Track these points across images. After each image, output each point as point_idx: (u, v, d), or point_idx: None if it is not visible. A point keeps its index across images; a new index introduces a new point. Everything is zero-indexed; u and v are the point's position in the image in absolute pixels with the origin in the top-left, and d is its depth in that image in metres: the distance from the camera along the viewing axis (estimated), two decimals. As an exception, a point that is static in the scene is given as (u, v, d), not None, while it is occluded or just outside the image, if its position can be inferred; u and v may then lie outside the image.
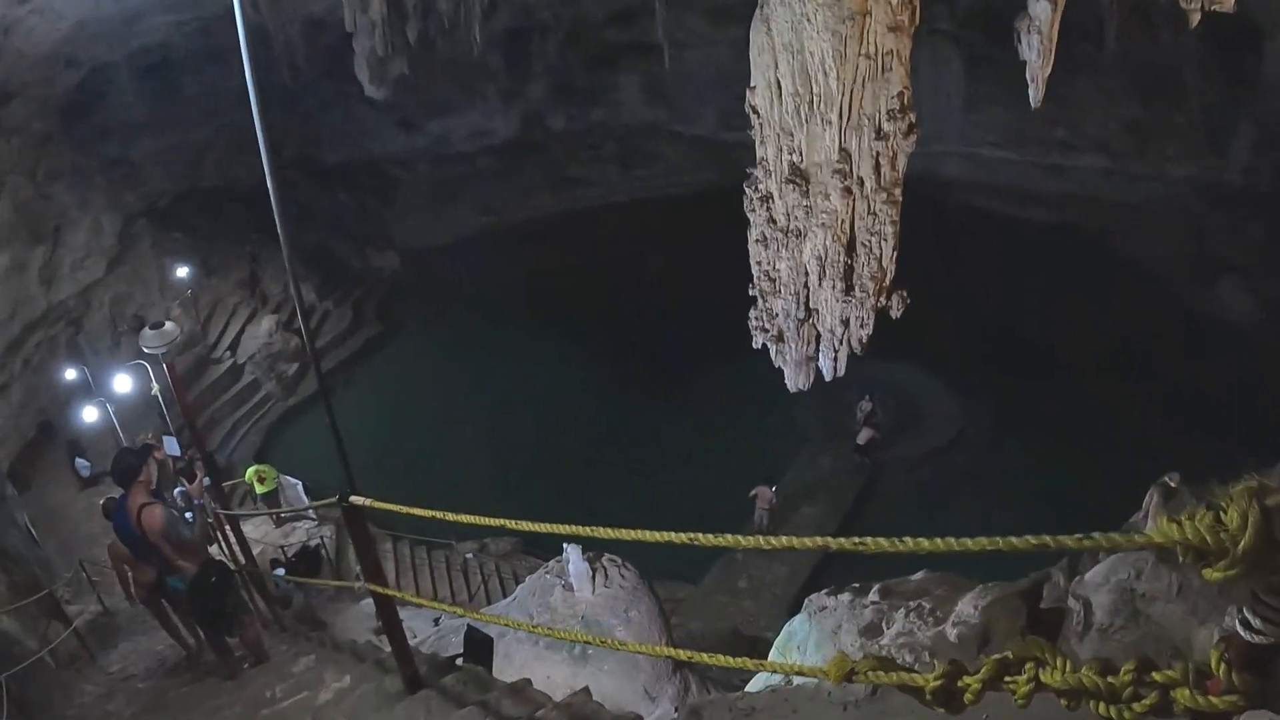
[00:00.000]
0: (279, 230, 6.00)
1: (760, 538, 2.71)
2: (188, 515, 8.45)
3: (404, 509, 4.56)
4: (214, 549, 10.11)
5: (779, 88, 11.99)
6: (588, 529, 3.22)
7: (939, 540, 2.35)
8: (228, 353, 30.28)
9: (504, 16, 28.10)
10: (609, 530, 3.13)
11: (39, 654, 12.76)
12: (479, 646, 6.88)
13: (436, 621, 11.49)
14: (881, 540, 2.45)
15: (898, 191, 12.33)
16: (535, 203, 36.78)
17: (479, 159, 36.51)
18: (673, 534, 2.83)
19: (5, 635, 13.64)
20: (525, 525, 3.53)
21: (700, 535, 2.80)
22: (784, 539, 2.71)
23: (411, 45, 25.85)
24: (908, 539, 2.41)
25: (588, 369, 28.89)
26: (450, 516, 4.16)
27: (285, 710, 7.01)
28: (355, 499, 4.82)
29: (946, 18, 26.68)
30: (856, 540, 2.45)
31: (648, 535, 2.94)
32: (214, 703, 8.17)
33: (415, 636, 10.25)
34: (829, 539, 2.58)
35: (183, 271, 29.90)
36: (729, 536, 2.74)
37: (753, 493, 21.67)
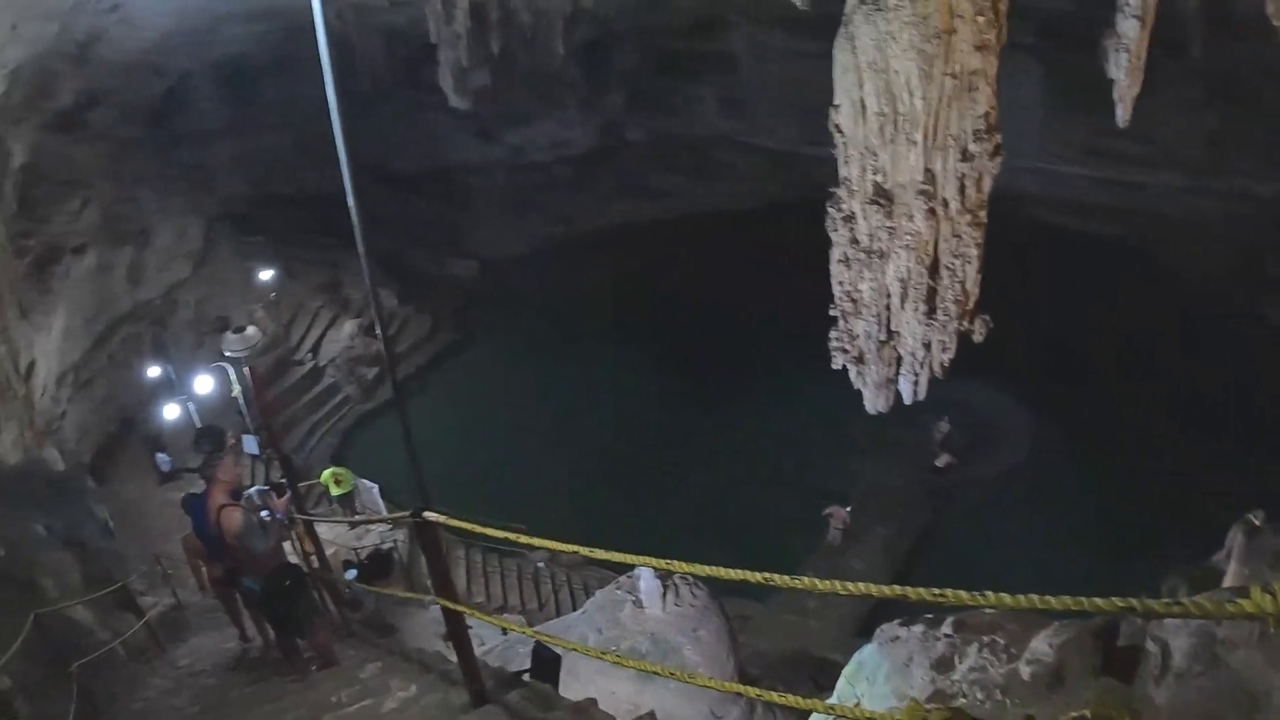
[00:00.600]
0: (358, 241, 6.04)
1: (837, 583, 2.65)
2: (264, 513, 8.53)
3: (477, 527, 4.57)
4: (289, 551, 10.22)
5: (863, 107, 11.83)
6: (664, 561, 3.19)
7: (1021, 597, 2.31)
8: (309, 355, 30.88)
9: (584, 28, 28.21)
10: (684, 564, 3.10)
11: (110, 645, 13.03)
12: (547, 663, 6.86)
13: (505, 631, 11.51)
14: (962, 593, 2.40)
15: (982, 214, 12.11)
16: (610, 213, 36.82)
17: (556, 169, 36.68)
18: (749, 572, 2.79)
19: (78, 625, 13.92)
20: (600, 553, 3.51)
21: (776, 576, 2.77)
22: (861, 586, 2.64)
23: (494, 56, 26.11)
24: (989, 593, 2.37)
25: (660, 381, 28.86)
26: (524, 539, 4.16)
27: (349, 716, 7.03)
28: (429, 514, 4.84)
29: (1026, 31, 26.28)
30: (936, 592, 2.40)
31: (722, 572, 2.91)
32: (279, 704, 8.22)
33: (483, 644, 10.30)
34: (907, 589, 2.50)
35: (266, 275, 30.60)
36: (805, 579, 2.69)
37: (827, 511, 21.59)
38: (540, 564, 21.59)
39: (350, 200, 5.50)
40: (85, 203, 24.53)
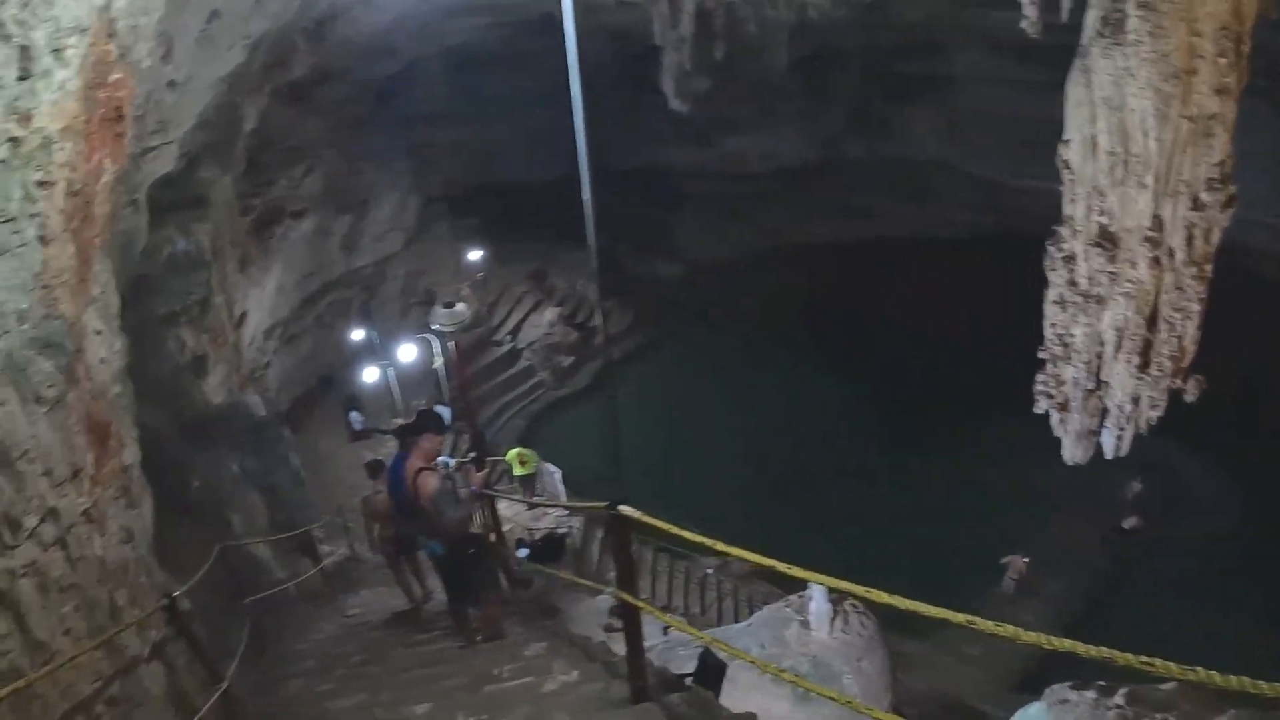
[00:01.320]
0: (589, 234, 6.18)
1: (1020, 631, 2.51)
2: (459, 484, 8.74)
3: (672, 528, 4.55)
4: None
5: (1095, 144, 11.33)
6: (864, 589, 3.11)
7: (1201, 671, 2.17)
8: (508, 337, 31.88)
9: (807, 42, 27.96)
10: (883, 594, 3.01)
11: (285, 585, 13.61)
12: (712, 671, 6.79)
13: (665, 631, 11.49)
14: (1172, 665, 2.25)
15: (1208, 267, 11.44)
16: (817, 229, 36.40)
17: (767, 180, 36.44)
18: (951, 612, 2.69)
19: (258, 563, 14.63)
20: (798, 571, 3.44)
21: (978, 619, 2.65)
22: (1058, 640, 2.50)
23: (716, 63, 26.20)
24: (1168, 664, 2.22)
25: (848, 402, 28.48)
26: (720, 546, 4.11)
27: (509, 690, 7.08)
28: (625, 509, 4.86)
29: (1263, 73, 24.34)
30: (1145, 660, 2.26)
31: (923, 608, 2.81)
32: (440, 668, 8.38)
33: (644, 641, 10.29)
34: (1103, 650, 2.35)
35: (475, 256, 31.62)
36: (1008, 627, 2.56)
37: (1006, 559, 20.82)
38: (709, 571, 21.49)
39: (585, 195, 5.63)
40: (309, 170, 25.71)
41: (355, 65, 25.56)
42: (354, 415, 25.81)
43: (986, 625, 2.57)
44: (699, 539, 4.33)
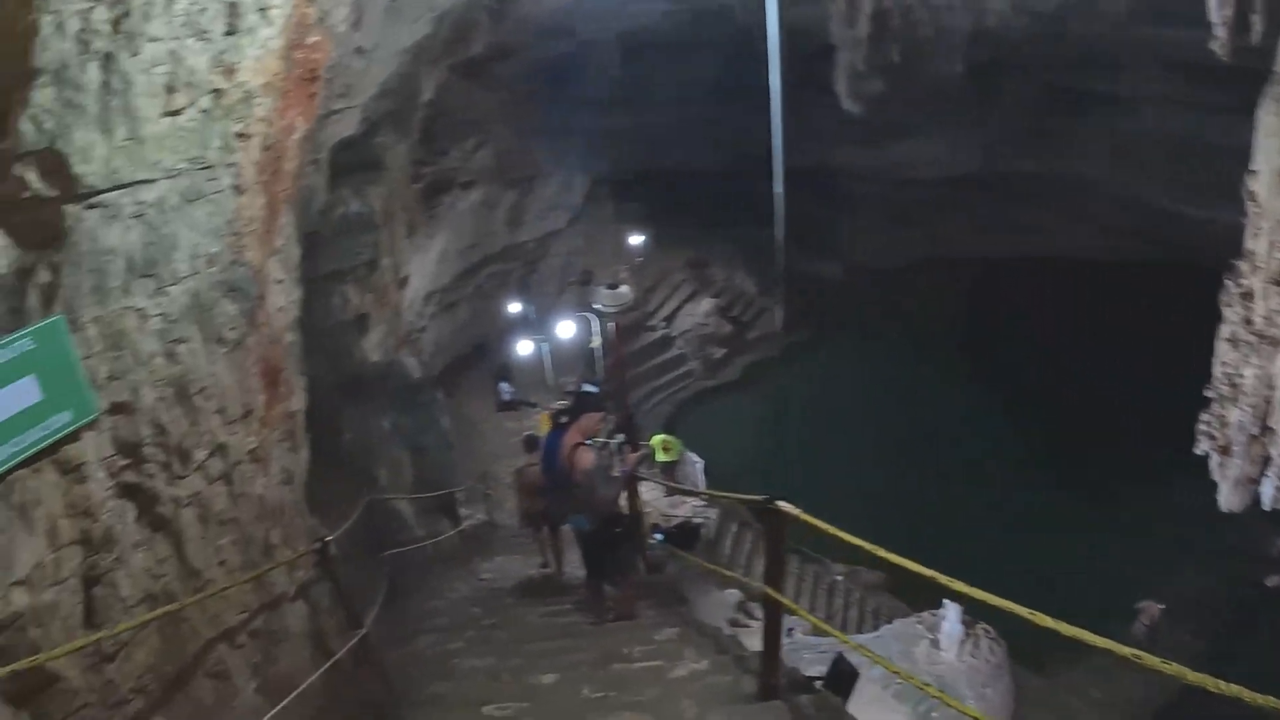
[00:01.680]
0: (776, 226, 6.17)
1: (1186, 670, 2.43)
2: (611, 465, 8.87)
3: (831, 529, 4.53)
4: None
5: (1286, 177, 10.80)
6: (1026, 609, 3.06)
7: None
8: (662, 323, 32.14)
9: (983, 49, 27.24)
10: (1045, 617, 2.97)
11: (423, 543, 13.97)
12: (844, 678, 6.72)
13: (790, 632, 11.43)
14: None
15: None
16: (978, 241, 35.46)
17: (933, 188, 35.59)
18: (1116, 644, 2.64)
19: (400, 518, 15.05)
20: (959, 585, 3.40)
21: (1144, 654, 2.59)
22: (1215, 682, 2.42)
23: (891, 66, 25.81)
24: None
25: (995, 420, 27.75)
26: (881, 553, 4.07)
27: (637, 672, 7.13)
28: (783, 505, 4.87)
29: None
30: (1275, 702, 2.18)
31: (1088, 636, 2.77)
32: (570, 640, 8.48)
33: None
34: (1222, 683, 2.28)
35: (637, 240, 31.81)
36: (1174, 665, 2.48)
37: (1141, 604, 19.98)
38: (838, 577, 21.24)
39: (778, 188, 5.60)
40: (480, 144, 26.26)
41: (531, 44, 26.02)
42: (503, 385, 26.33)
43: (1151, 660, 2.50)
44: (859, 542, 4.29)
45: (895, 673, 4.94)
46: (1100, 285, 31.33)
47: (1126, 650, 2.64)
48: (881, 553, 4.03)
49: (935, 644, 10.02)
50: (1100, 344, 28.37)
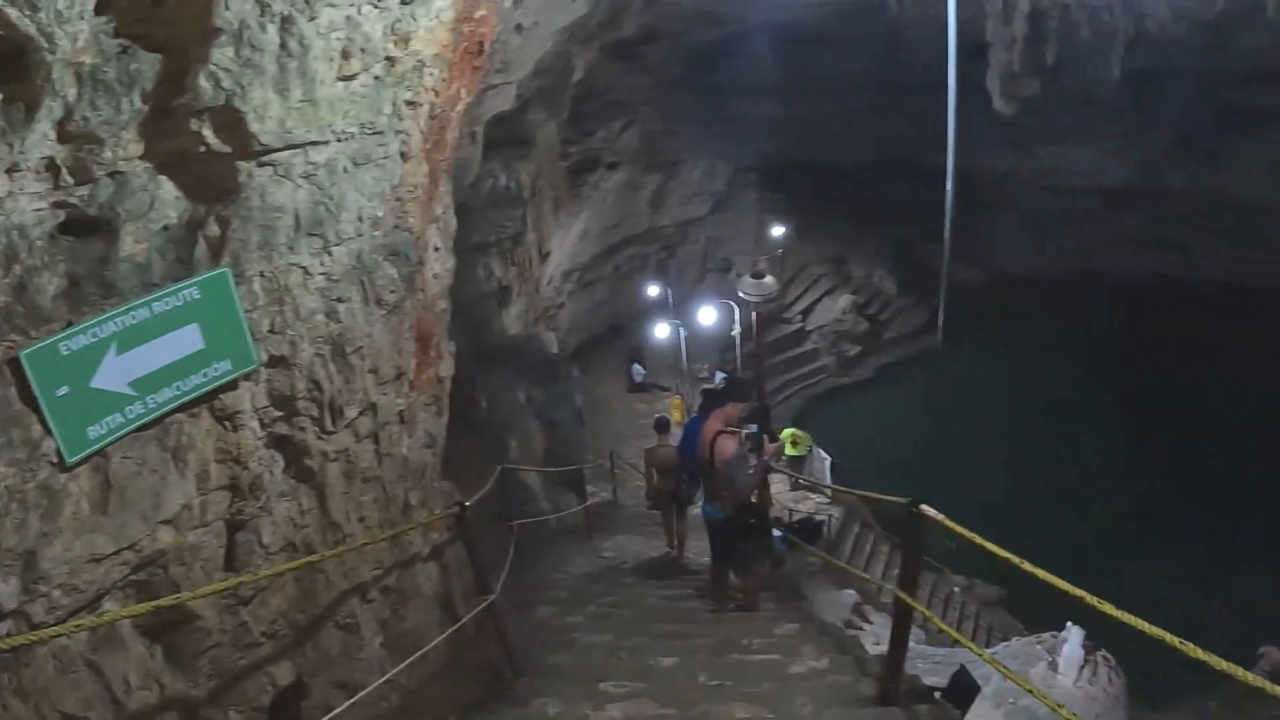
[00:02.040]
0: (945, 227, 6.10)
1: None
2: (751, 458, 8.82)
3: (974, 536, 4.47)
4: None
5: None
6: (1177, 640, 2.95)
7: None
8: (799, 317, 32.08)
9: (1141, 55, 26.12)
10: (1195, 649, 2.86)
11: (548, 516, 14.15)
12: (964, 690, 6.62)
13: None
14: None
15: None
16: (1131, 258, 34.27)
17: (1083, 198, 34.45)
18: (1268, 682, 2.52)
19: (528, 490, 15.26)
20: (1108, 607, 3.29)
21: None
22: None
23: (1046, 67, 25.07)
24: None
25: (1132, 442, 26.67)
26: (1027, 566, 3.97)
27: (754, 664, 7.12)
28: (926, 509, 4.81)
29: None
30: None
31: (1240, 673, 2.65)
32: (689, 625, 8.52)
33: (877, 643, 10.14)
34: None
35: (778, 231, 31.62)
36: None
37: (1263, 650, 19.06)
38: (955, 589, 20.85)
39: (949, 185, 5.53)
40: (627, 125, 26.43)
41: (682, 29, 26.00)
42: (636, 367, 26.53)
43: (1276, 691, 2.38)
44: (1004, 554, 4.19)
45: (1030, 691, 4.77)
46: (1255, 310, 30.07)
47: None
48: (1028, 566, 3.92)
49: (1053, 667, 9.68)
50: (1252, 372, 27.33)
